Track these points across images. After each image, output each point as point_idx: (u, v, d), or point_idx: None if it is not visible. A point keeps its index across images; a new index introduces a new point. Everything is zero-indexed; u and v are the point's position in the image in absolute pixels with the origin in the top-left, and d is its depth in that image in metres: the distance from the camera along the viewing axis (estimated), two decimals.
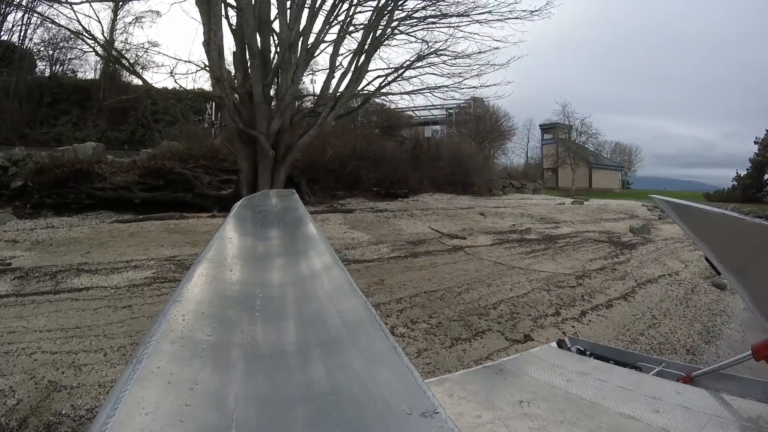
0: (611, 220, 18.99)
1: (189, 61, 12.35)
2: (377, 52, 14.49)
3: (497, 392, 1.69)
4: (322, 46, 13.83)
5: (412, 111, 25.74)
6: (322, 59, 30.89)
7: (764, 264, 1.57)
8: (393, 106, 21.91)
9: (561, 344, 2.39)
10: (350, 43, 14.48)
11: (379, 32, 14.07)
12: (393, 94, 15.92)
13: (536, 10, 14.29)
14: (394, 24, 14.33)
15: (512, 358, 2.14)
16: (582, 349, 2.36)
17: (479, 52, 14.82)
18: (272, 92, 13.33)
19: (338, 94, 13.98)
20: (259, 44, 12.58)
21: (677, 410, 1.60)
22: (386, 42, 14.63)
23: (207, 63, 11.97)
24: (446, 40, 14.79)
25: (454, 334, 5.34)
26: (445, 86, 15.47)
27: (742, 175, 40.19)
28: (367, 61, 14.12)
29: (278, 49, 12.78)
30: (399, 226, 12.83)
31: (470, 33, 14.63)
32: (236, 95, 12.69)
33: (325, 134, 17.14)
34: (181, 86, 16.86)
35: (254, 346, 0.88)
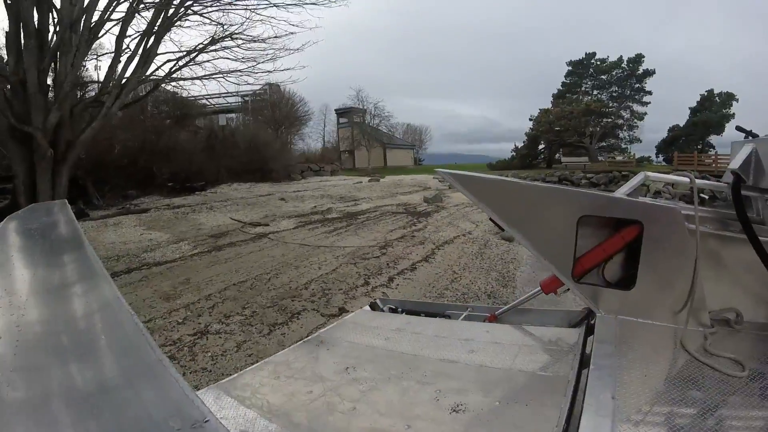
0: (406, 193, 20.46)
1: None
2: (168, 34, 13.26)
3: (323, 364, 1.68)
4: (108, 25, 12.14)
5: (206, 99, 24.32)
6: (108, 41, 27.29)
7: (539, 217, 1.79)
8: (185, 93, 20.35)
9: (374, 306, 2.47)
10: (139, 23, 12.98)
11: (171, 11, 12.85)
12: (184, 79, 14.75)
13: None
14: (188, 3, 13.24)
15: (330, 327, 2.15)
16: (394, 307, 2.47)
17: (275, 37, 14.46)
18: (50, 80, 11.35)
19: (124, 80, 12.49)
20: (36, 22, 10.52)
21: (489, 347, 1.75)
22: (178, 23, 13.41)
23: None
24: (242, 24, 14.14)
25: (270, 320, 5.24)
26: (239, 71, 14.85)
27: (519, 147, 46.63)
28: (157, 43, 12.77)
29: (58, 29, 10.87)
30: (199, 220, 12.23)
31: (267, 17, 14.18)
32: (8, 84, 10.49)
33: (111, 127, 15.43)
34: None
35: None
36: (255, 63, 14.73)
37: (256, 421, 1.28)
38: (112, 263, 7.73)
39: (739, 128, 2.09)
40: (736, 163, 1.78)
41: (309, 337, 2.00)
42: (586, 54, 46.90)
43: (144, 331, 0.97)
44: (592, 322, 1.78)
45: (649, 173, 2.04)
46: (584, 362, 1.49)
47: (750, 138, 1.98)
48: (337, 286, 6.46)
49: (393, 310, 2.46)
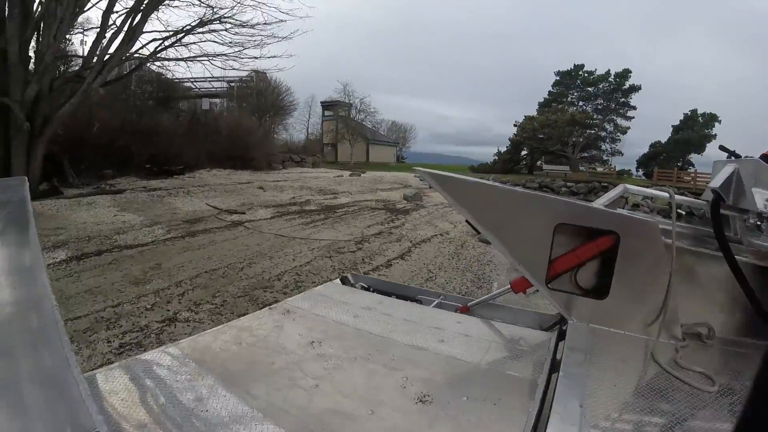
0: (387, 189, 20.44)
1: None
2: (156, 13, 12.97)
3: (287, 335, 1.64)
4: None
5: (191, 82, 23.94)
6: (95, 16, 26.62)
7: (515, 222, 1.78)
8: (170, 75, 20.04)
9: (344, 281, 2.44)
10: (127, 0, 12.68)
11: None
12: (169, 59, 14.58)
13: None
14: None
15: (297, 296, 2.11)
16: (365, 285, 2.44)
17: (265, 23, 14.36)
18: (32, 52, 11.02)
19: (107, 56, 12.18)
20: None
21: (460, 338, 1.73)
22: (167, 2, 13.14)
23: None
24: (232, 8, 13.99)
25: (240, 310, 5.17)
26: (225, 55, 14.71)
27: (502, 152, 47.42)
28: (144, 21, 12.50)
29: None
30: (175, 204, 12.05)
31: (258, 2, 14.07)
32: None
33: (91, 104, 15.06)
34: None
35: None
36: (242, 48, 14.65)
37: (214, 388, 1.23)
38: (83, 244, 7.56)
39: (722, 148, 2.08)
40: (717, 182, 1.77)
41: (275, 305, 1.95)
42: (574, 65, 47.56)
43: (61, 328, 0.93)
44: (564, 327, 1.78)
45: (629, 186, 2.02)
46: (554, 367, 1.48)
47: (732, 158, 1.98)
48: (311, 279, 6.40)
49: (364, 288, 2.41)
